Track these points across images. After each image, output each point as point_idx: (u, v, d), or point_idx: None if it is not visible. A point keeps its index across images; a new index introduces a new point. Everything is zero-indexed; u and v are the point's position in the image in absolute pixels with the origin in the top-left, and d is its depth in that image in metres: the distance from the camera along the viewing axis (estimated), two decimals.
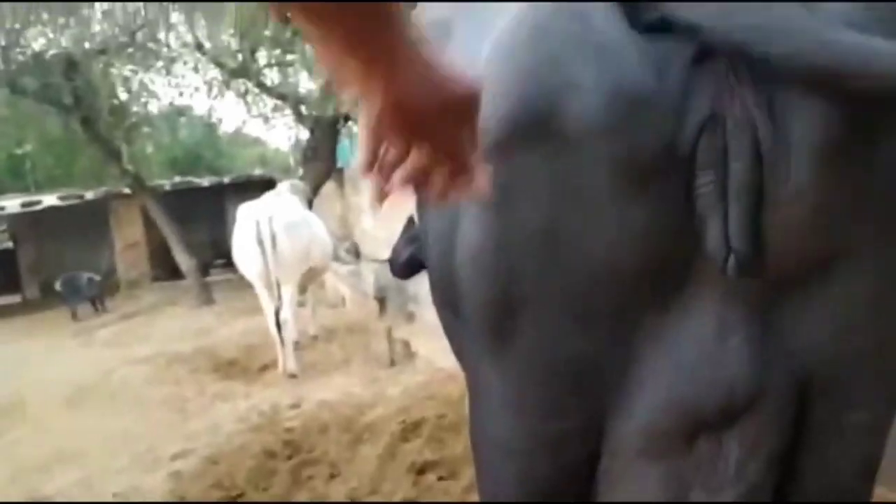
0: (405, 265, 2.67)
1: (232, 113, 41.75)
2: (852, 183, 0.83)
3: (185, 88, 12.75)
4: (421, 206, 1.31)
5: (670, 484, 0.98)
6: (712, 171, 0.83)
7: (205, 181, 17.53)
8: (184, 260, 12.51)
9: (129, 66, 12.09)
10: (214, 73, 12.22)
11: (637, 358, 0.95)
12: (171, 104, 13.65)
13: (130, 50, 11.47)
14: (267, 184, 14.10)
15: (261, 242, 5.68)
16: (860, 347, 0.92)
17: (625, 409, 0.97)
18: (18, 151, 18.54)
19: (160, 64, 12.00)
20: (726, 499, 0.97)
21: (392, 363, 5.84)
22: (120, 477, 3.94)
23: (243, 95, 12.76)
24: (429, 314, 2.40)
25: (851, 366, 0.92)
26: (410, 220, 2.59)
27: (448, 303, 1.17)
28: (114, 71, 11.98)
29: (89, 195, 15.47)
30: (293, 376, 5.76)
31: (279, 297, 5.90)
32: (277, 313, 5.90)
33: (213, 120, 20.38)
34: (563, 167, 0.89)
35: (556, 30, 0.88)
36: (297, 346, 6.27)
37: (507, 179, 0.90)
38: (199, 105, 16.17)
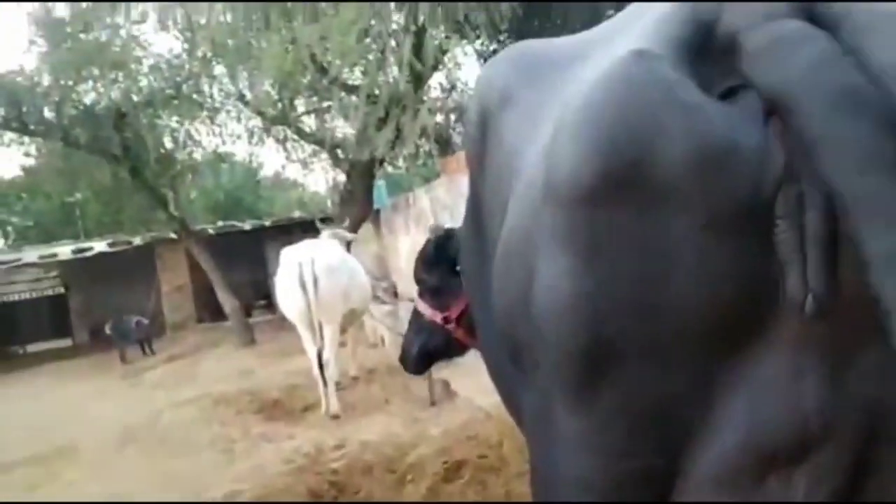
0: (418, 360, 2.66)
1: (272, 159, 42.71)
2: None
3: (228, 137, 13.27)
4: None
5: None
6: (790, 220, 0.86)
7: (246, 224, 17.98)
8: (227, 301, 12.83)
9: (175, 117, 12.63)
10: (255, 121, 12.69)
11: (714, 401, 0.97)
12: (214, 151, 14.11)
13: (176, 102, 12.00)
14: (306, 225, 14.61)
15: (303, 285, 5.85)
16: None
17: (701, 450, 0.99)
18: (70, 199, 19.38)
19: (204, 114, 12.54)
20: None
21: (432, 403, 5.90)
22: None
23: (282, 142, 13.22)
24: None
25: None
26: (416, 312, 2.59)
27: (511, 350, 1.20)
28: (160, 122, 12.52)
29: (137, 241, 15.99)
30: (336, 417, 5.88)
31: (321, 338, 6.03)
32: (320, 354, 6.03)
33: (254, 165, 20.99)
34: (652, 219, 0.92)
35: (642, 85, 0.92)
36: (339, 386, 6.40)
37: (600, 231, 0.94)
38: (241, 151, 16.53)
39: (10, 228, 23.69)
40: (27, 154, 14.00)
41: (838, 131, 0.79)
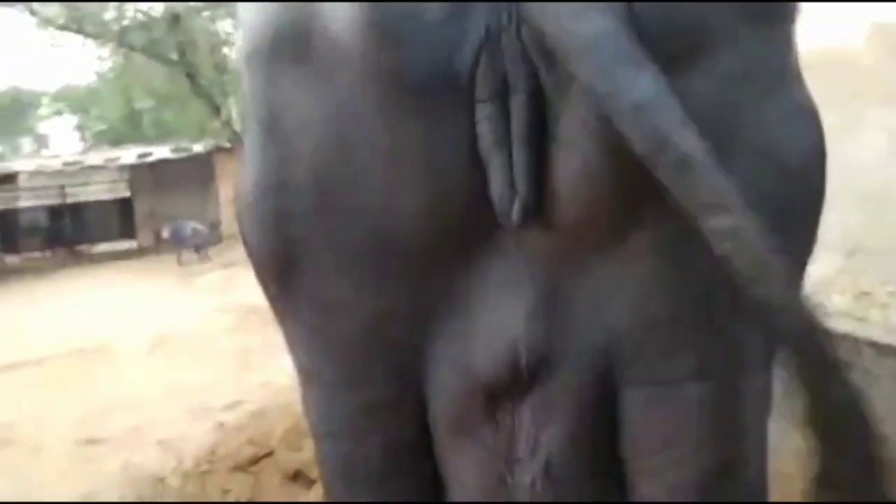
0: None
1: None
2: None
3: None
4: None
5: (483, 459, 0.90)
6: (492, 104, 0.74)
7: None
8: None
9: (231, 21, 12.37)
10: None
11: (434, 321, 0.85)
12: None
13: (232, 6, 11.74)
14: None
15: None
16: (657, 315, 0.81)
17: (430, 379, 0.87)
18: (137, 107, 19.67)
19: None
20: (525, 474, 0.88)
21: None
22: (170, 426, 4.05)
23: None
24: None
25: (654, 336, 0.82)
26: None
27: None
28: (214, 26, 12.28)
29: (197, 148, 16.14)
30: None
31: None
32: None
33: None
34: (330, 89, 0.78)
35: None
36: None
37: (277, 106, 0.83)
38: None
39: (87, 133, 24.43)
40: (100, 58, 14.09)
41: None
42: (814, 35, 3.63)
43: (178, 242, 13.73)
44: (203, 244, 14.08)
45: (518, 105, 0.73)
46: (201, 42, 11.63)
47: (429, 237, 0.81)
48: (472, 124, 0.75)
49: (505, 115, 0.74)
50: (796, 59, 0.87)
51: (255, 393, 4.49)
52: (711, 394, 0.84)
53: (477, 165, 0.76)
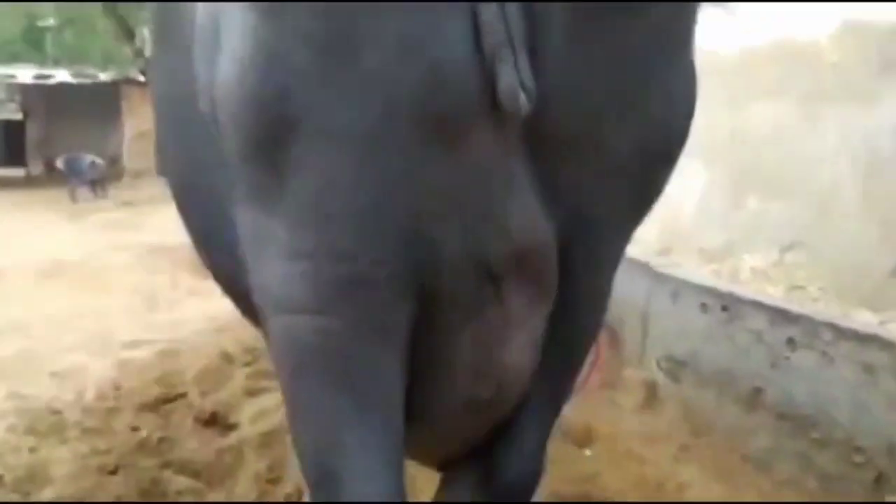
0: None
1: None
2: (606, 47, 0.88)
3: None
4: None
5: (482, 336, 0.99)
6: (495, 4, 0.81)
7: None
8: None
9: None
10: None
11: (437, 198, 0.89)
12: None
13: None
14: None
15: None
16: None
17: (432, 255, 0.91)
18: (39, 24, 18.14)
19: None
20: (515, 353, 1.02)
21: None
22: (65, 355, 3.67)
23: None
24: None
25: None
26: None
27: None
28: None
29: (103, 76, 15.04)
30: None
31: None
32: None
33: None
34: None
35: None
36: None
37: None
38: None
39: None
40: None
41: None
42: (782, 28, 3.65)
43: (72, 175, 12.73)
44: (100, 179, 13.15)
45: (512, 12, 0.82)
46: None
47: (435, 112, 0.84)
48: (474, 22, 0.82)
49: (504, 19, 0.81)
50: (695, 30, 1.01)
51: (163, 332, 4.16)
52: None
53: (479, 59, 0.82)
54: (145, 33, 12.14)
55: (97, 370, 3.46)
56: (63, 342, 3.88)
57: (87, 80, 14.89)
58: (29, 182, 15.29)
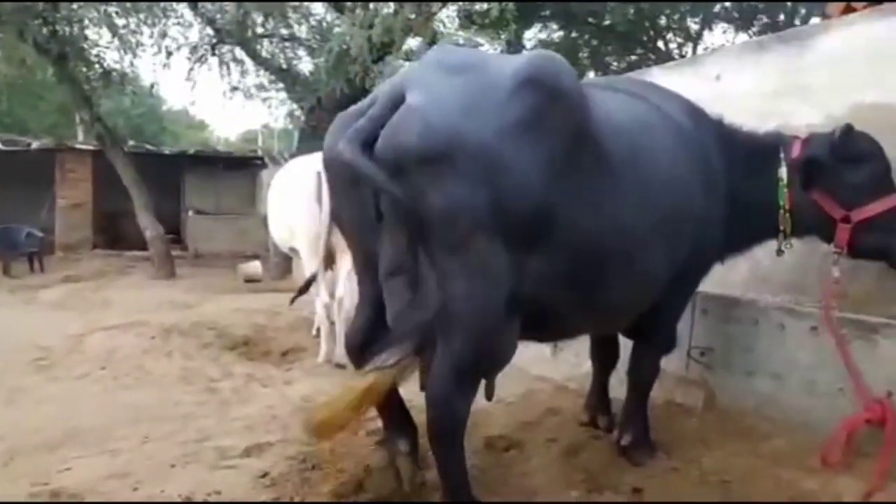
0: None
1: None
2: None
3: (171, 40, 11.42)
4: None
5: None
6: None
7: (165, 149, 16.15)
8: (150, 225, 11.18)
9: (115, 8, 10.66)
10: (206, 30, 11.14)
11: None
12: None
13: None
14: (233, 161, 12.84)
15: (320, 201, 4.76)
16: None
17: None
18: None
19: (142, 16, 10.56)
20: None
21: None
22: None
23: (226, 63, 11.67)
24: None
25: None
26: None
27: None
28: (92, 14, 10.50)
29: (36, 144, 13.88)
30: (341, 367, 4.79)
31: (332, 269, 5.02)
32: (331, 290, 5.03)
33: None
34: None
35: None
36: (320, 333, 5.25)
37: None
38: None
39: None
40: None
41: None
42: None
43: (7, 247, 11.47)
44: (38, 253, 11.92)
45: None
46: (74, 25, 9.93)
47: None
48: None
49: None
50: None
51: (264, 426, 3.51)
52: None
53: None
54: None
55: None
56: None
57: (22, 149, 13.66)
58: None
